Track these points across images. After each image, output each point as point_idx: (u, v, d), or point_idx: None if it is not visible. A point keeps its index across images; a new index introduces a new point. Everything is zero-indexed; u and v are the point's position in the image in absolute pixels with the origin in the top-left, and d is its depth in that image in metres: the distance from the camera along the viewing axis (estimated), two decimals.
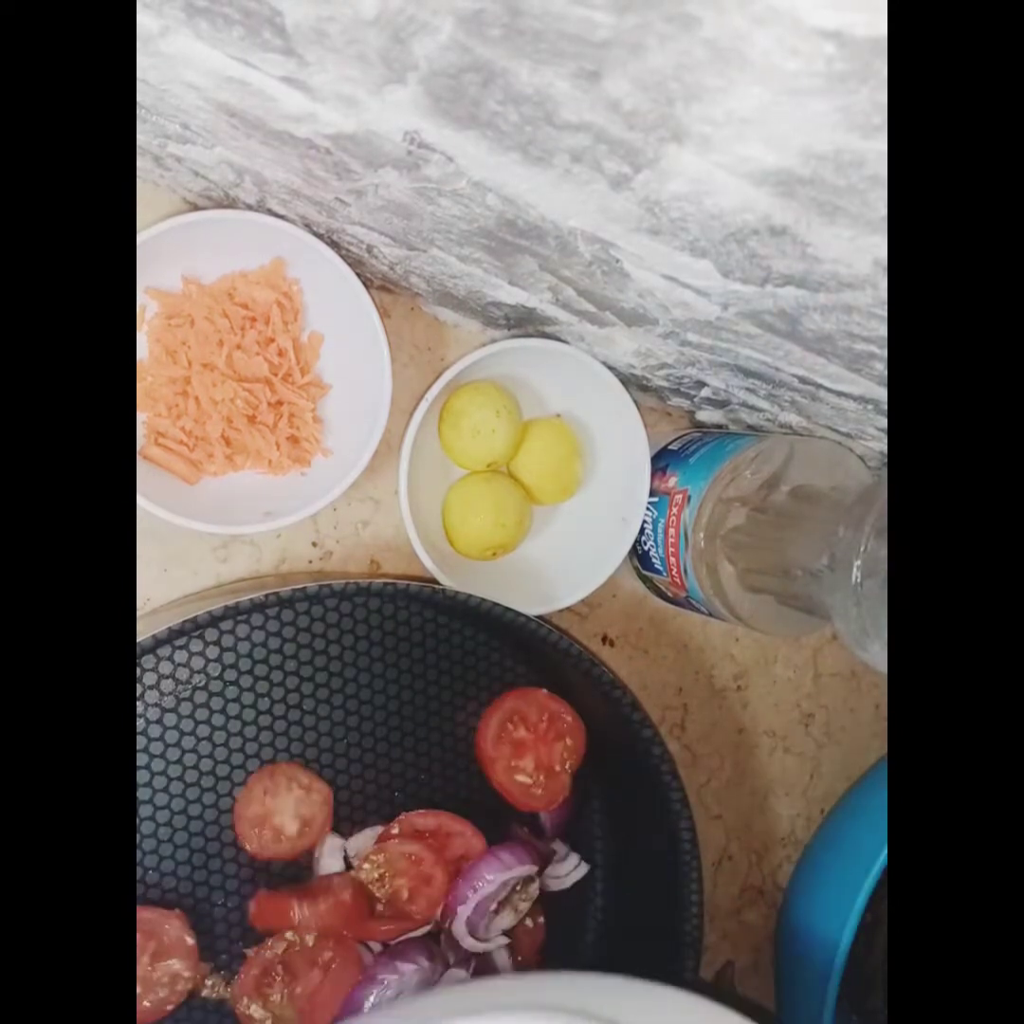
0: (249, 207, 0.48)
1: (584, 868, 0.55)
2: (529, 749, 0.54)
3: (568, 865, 0.55)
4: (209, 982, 0.49)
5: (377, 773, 0.53)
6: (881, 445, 0.50)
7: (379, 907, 0.50)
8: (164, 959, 0.47)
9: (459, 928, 0.50)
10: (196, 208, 0.49)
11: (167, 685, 0.49)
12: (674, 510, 0.53)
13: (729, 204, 0.29)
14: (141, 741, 0.49)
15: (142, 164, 0.46)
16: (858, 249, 0.29)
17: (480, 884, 0.50)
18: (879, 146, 0.23)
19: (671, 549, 0.54)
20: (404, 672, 0.53)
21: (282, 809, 0.50)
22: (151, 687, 0.49)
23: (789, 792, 0.67)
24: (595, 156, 0.29)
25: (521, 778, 0.54)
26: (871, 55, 0.21)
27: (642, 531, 0.56)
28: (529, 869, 0.52)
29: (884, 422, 0.46)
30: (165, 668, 0.49)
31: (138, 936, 0.46)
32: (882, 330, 0.34)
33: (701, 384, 0.53)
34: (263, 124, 0.36)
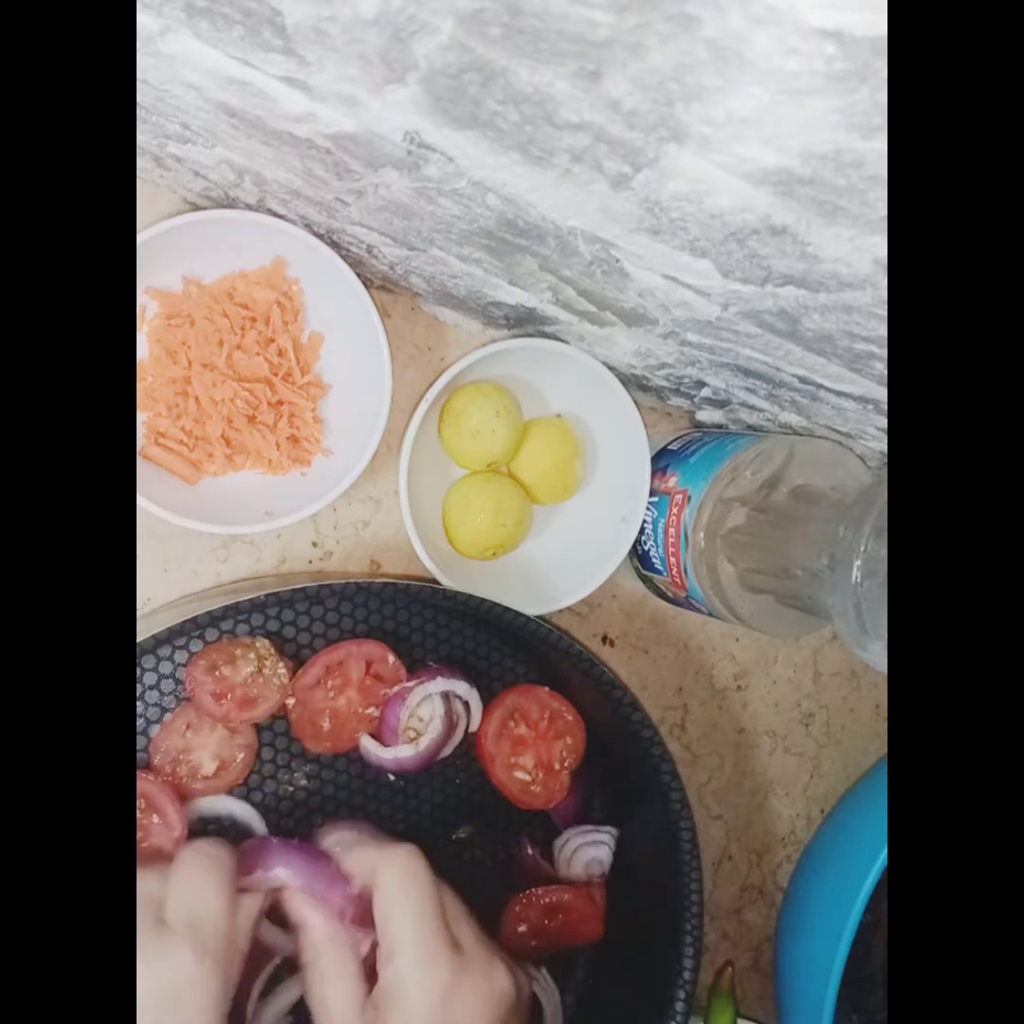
0: (249, 207, 0.48)
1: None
2: (529, 746, 0.54)
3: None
4: None
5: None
6: (881, 445, 0.50)
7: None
8: None
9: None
10: (196, 208, 0.49)
11: (167, 685, 0.49)
12: (674, 510, 0.53)
13: (729, 204, 0.29)
14: (141, 741, 0.49)
15: (142, 164, 0.46)
16: (858, 249, 0.29)
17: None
18: (879, 146, 0.23)
19: (671, 549, 0.54)
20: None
21: (202, 746, 0.49)
22: (151, 687, 0.49)
23: (789, 792, 0.67)
24: (595, 156, 0.29)
25: (520, 775, 0.54)
26: (871, 55, 0.21)
27: (642, 531, 0.56)
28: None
29: (884, 422, 0.46)
30: (165, 668, 0.49)
31: None
32: (882, 330, 0.34)
33: (701, 384, 0.53)
34: (263, 124, 0.36)
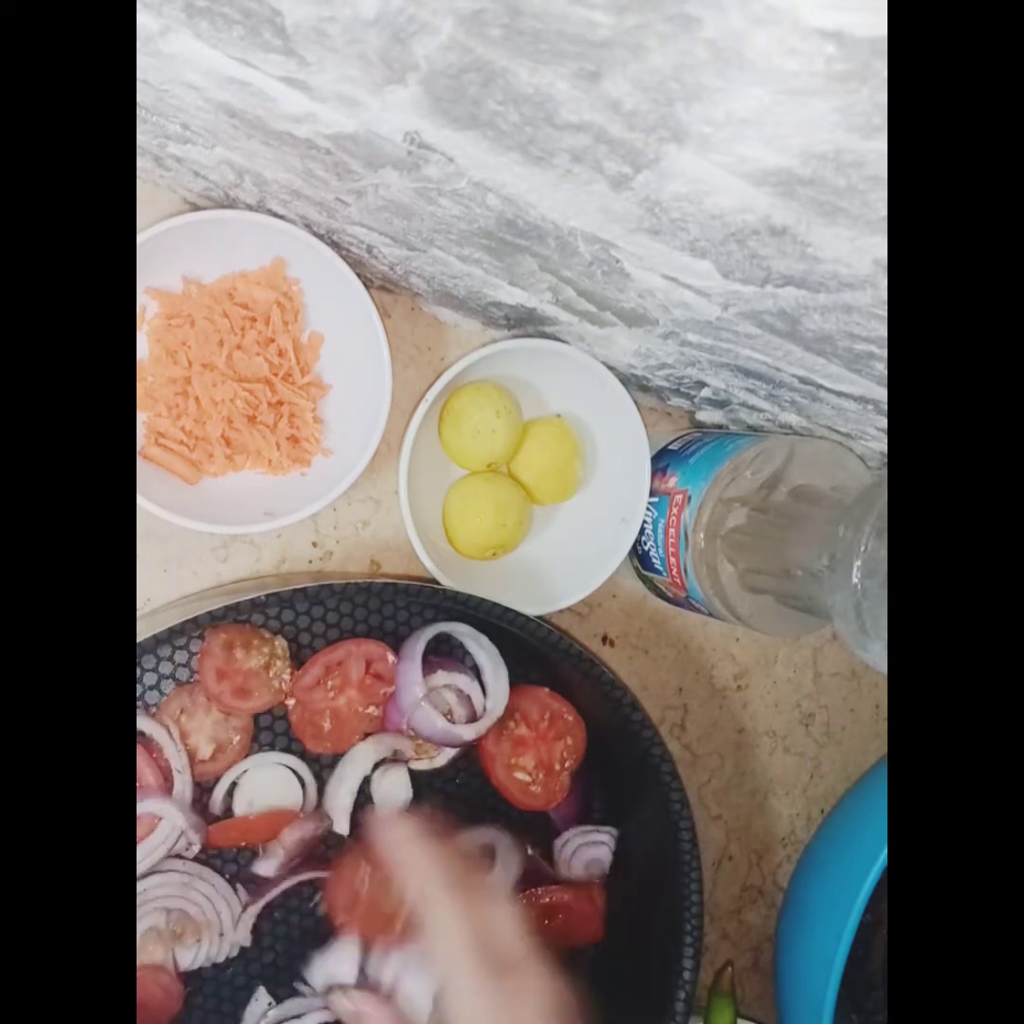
0: (249, 207, 0.48)
1: None
2: (529, 747, 0.54)
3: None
4: None
5: None
6: (881, 445, 0.50)
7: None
8: None
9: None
10: (196, 208, 0.49)
11: (167, 685, 0.49)
12: (674, 510, 0.53)
13: (729, 204, 0.29)
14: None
15: (142, 164, 0.46)
16: (858, 249, 0.29)
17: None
18: (879, 146, 0.23)
19: (671, 549, 0.54)
20: None
21: (197, 730, 0.50)
22: (151, 687, 0.49)
23: (789, 792, 0.67)
24: (595, 156, 0.29)
25: (520, 776, 0.54)
26: (871, 55, 0.21)
27: (642, 531, 0.56)
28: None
29: (884, 422, 0.46)
30: (165, 668, 0.49)
31: None
32: (882, 330, 0.34)
33: (701, 384, 0.53)
34: (263, 124, 0.36)
